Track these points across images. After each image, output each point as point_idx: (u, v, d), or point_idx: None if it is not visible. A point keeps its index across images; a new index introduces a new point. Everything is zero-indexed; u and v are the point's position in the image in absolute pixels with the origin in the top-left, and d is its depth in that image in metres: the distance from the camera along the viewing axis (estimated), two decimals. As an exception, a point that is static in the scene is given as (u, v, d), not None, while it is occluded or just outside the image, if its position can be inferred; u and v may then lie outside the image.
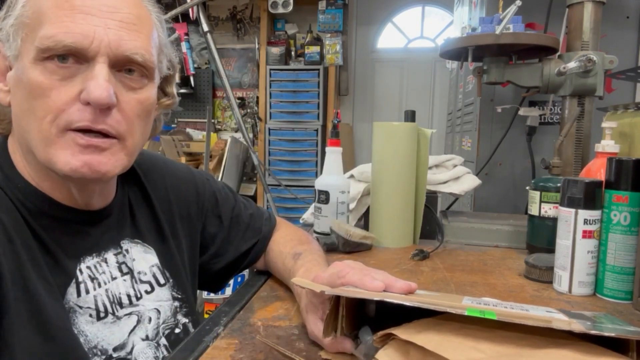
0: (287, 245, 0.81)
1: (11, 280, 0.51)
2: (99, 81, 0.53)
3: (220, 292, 2.67)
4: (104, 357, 0.59)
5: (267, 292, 0.75)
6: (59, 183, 0.60)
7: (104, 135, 0.55)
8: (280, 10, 3.34)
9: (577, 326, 0.41)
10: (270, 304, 0.70)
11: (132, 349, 0.63)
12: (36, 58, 0.53)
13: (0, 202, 0.55)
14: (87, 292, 0.60)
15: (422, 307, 0.44)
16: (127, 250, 0.67)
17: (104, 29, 0.54)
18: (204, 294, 2.65)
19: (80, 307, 0.59)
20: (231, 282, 2.64)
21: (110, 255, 0.65)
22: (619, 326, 0.46)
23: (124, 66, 0.56)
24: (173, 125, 4.09)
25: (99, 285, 0.62)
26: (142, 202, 0.72)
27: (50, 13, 0.53)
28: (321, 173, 1.08)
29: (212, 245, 0.82)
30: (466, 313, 0.43)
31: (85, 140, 0.54)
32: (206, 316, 2.51)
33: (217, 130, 4.08)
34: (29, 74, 0.53)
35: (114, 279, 0.64)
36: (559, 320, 0.44)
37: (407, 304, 0.45)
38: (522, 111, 1.42)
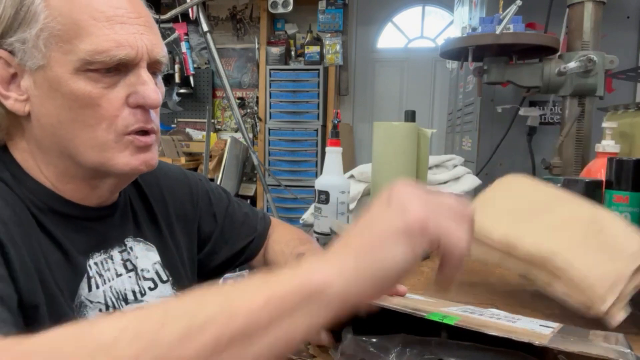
0: (289, 244, 0.82)
1: (34, 277, 0.52)
2: (151, 86, 0.57)
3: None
4: None
5: (267, 292, 0.75)
6: (83, 183, 0.61)
7: (149, 132, 0.60)
8: (280, 10, 3.34)
9: (540, 340, 0.40)
10: (270, 304, 0.69)
11: None
12: (79, 69, 0.54)
13: (12, 200, 0.56)
14: (97, 287, 0.61)
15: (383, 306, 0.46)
16: (131, 248, 0.68)
17: (140, 36, 0.56)
18: (204, 294, 2.65)
19: (91, 302, 0.60)
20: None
21: (115, 253, 0.66)
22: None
23: (151, 68, 0.60)
24: (173, 125, 4.09)
25: (104, 282, 0.63)
26: (141, 202, 0.73)
27: (86, 25, 0.53)
28: (321, 173, 1.08)
29: (207, 244, 0.83)
30: (425, 316, 0.43)
31: (143, 142, 0.59)
32: (206, 316, 2.50)
33: (217, 130, 4.08)
34: (71, 84, 0.54)
35: (118, 275, 0.65)
36: (526, 333, 0.42)
37: None
38: (522, 111, 1.42)
